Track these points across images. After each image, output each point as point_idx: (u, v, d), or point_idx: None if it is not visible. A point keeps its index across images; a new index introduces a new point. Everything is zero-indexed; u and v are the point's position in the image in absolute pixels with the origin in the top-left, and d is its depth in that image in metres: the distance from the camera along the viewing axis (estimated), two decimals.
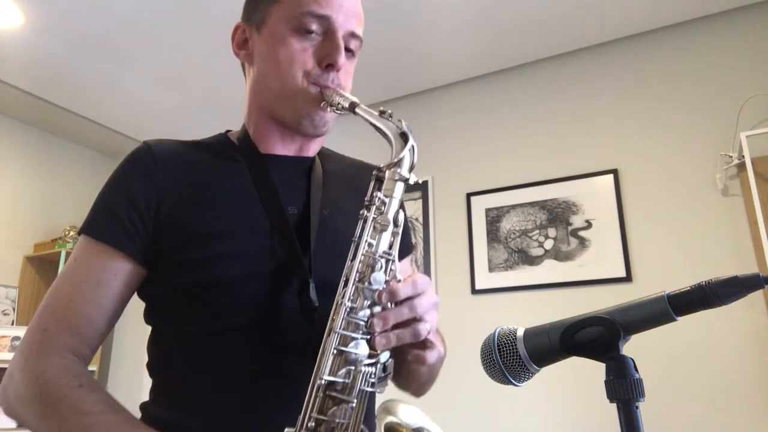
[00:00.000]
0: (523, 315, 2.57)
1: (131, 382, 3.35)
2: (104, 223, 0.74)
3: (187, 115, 3.48)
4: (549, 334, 0.60)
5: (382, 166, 0.70)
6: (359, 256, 0.65)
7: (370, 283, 0.63)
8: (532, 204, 2.72)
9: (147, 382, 0.77)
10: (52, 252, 3.38)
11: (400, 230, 0.68)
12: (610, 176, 2.57)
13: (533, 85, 2.90)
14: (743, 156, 2.18)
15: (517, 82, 2.96)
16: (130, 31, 2.66)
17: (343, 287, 0.64)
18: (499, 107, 2.97)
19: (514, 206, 2.76)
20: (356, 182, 0.84)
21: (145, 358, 0.78)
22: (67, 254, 3.33)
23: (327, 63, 0.77)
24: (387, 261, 0.65)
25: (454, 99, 3.11)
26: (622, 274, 2.43)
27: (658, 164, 2.49)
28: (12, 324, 3.26)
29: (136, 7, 2.49)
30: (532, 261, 2.65)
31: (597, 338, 0.57)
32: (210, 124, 3.88)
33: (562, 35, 2.72)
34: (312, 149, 0.87)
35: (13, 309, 3.31)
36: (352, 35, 0.80)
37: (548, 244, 2.63)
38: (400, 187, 0.69)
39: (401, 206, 0.69)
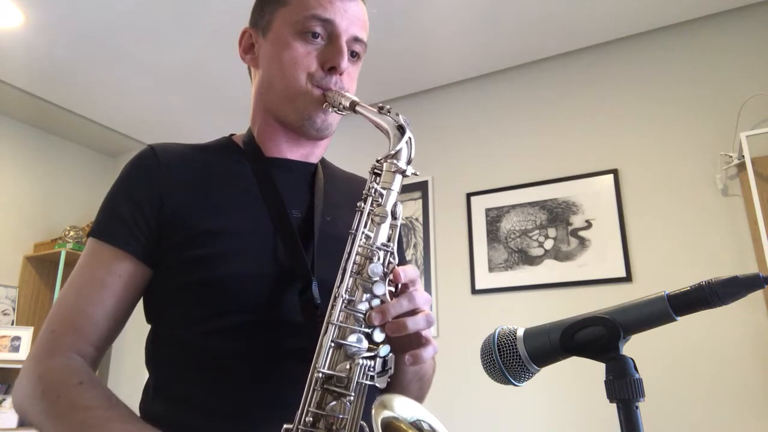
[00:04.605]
0: (523, 315, 2.57)
1: (132, 381, 3.35)
2: (109, 225, 0.75)
3: (187, 115, 3.48)
4: (549, 334, 0.60)
5: (379, 158, 0.70)
6: (356, 248, 0.64)
7: (368, 275, 0.62)
8: (532, 204, 2.72)
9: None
10: (52, 252, 3.38)
11: (399, 222, 0.68)
12: (610, 176, 2.57)
13: (533, 85, 2.90)
14: (743, 156, 2.18)
15: (517, 82, 2.96)
16: (131, 31, 2.66)
17: (341, 280, 0.63)
18: (499, 107, 2.97)
19: (514, 206, 2.76)
20: (352, 195, 0.85)
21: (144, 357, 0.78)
22: (67, 254, 3.34)
23: (330, 66, 0.78)
24: (386, 253, 0.65)
25: (454, 99, 3.11)
26: (622, 274, 2.43)
27: (658, 164, 2.49)
28: (12, 324, 3.26)
29: (136, 7, 2.49)
30: (532, 261, 2.65)
31: (597, 338, 0.57)
32: (210, 124, 3.89)
33: (562, 35, 2.72)
34: (316, 154, 0.88)
35: (13, 309, 3.31)
36: (356, 40, 0.81)
37: (548, 244, 2.63)
38: (398, 179, 0.68)
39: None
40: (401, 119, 0.71)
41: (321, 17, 0.78)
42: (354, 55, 0.82)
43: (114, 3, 2.47)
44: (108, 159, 4.09)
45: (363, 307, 0.62)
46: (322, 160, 0.91)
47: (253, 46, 0.86)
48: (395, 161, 0.69)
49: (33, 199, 3.57)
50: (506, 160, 2.86)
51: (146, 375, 0.77)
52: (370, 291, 0.62)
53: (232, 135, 0.90)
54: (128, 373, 3.44)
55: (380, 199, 0.67)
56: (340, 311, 0.61)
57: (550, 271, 2.59)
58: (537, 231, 2.67)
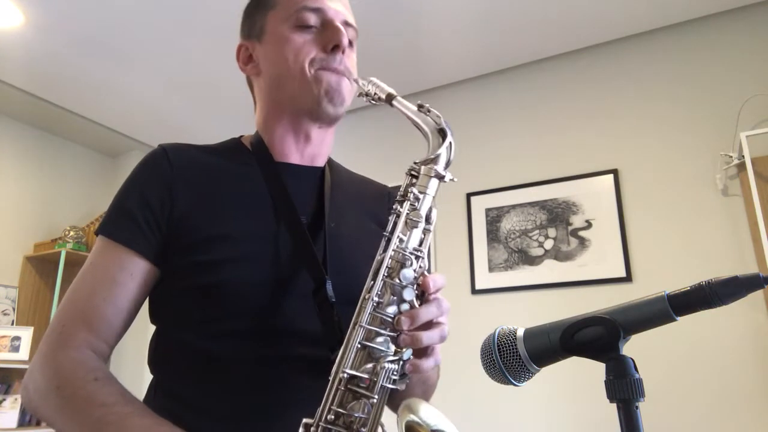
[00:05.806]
0: (523, 315, 2.57)
1: (132, 381, 3.35)
2: (119, 224, 0.75)
3: (187, 114, 3.48)
4: (549, 334, 0.60)
5: (417, 161, 0.70)
6: (390, 251, 0.64)
7: (399, 279, 0.62)
8: (532, 204, 2.72)
9: (148, 378, 0.77)
10: (52, 252, 3.38)
11: (432, 227, 0.68)
12: (610, 176, 2.57)
13: (533, 85, 2.90)
14: (743, 156, 2.18)
15: (517, 82, 2.95)
16: (131, 30, 2.66)
17: (371, 281, 0.63)
18: (499, 107, 2.97)
19: (514, 206, 2.76)
20: (360, 199, 0.85)
21: (145, 354, 0.78)
22: (67, 254, 3.34)
23: (332, 45, 0.80)
24: (417, 258, 0.65)
25: (454, 99, 3.11)
26: (622, 274, 2.43)
27: (658, 164, 2.49)
28: (12, 324, 3.26)
29: (136, 6, 2.49)
30: (532, 261, 2.65)
31: (597, 338, 0.57)
32: (210, 124, 3.88)
33: (562, 35, 2.72)
34: (323, 154, 0.88)
35: (13, 309, 3.31)
36: (347, 24, 0.83)
37: (548, 244, 2.63)
38: (434, 183, 0.68)
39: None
40: (443, 122, 0.70)
41: (311, 7, 0.81)
42: (349, 43, 0.84)
43: (114, 3, 2.47)
44: (108, 159, 4.08)
45: (392, 310, 0.62)
46: (330, 162, 0.91)
47: (252, 57, 0.87)
48: (434, 166, 0.68)
49: (33, 199, 3.56)
50: (506, 160, 2.85)
51: (146, 375, 0.77)
52: (400, 295, 0.62)
53: (240, 137, 0.91)
54: (128, 373, 3.43)
55: (416, 203, 0.67)
56: (368, 314, 0.61)
57: (550, 271, 2.59)
58: (537, 231, 2.67)
